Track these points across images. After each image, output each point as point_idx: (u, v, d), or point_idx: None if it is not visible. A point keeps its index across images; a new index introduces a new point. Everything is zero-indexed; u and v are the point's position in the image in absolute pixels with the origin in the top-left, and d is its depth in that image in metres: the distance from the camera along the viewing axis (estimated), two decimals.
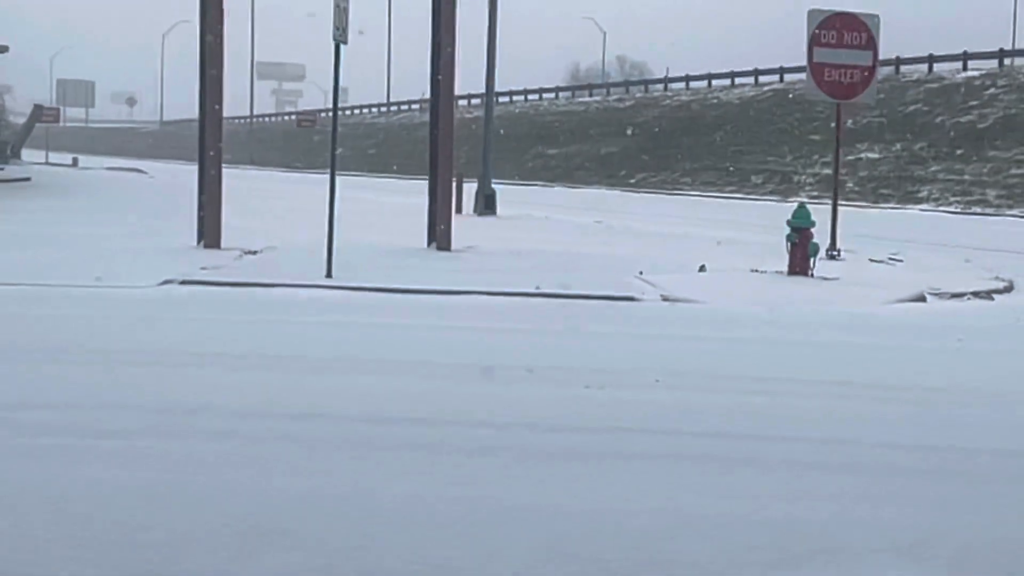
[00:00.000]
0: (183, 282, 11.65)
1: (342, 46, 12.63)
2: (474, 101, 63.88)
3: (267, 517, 4.38)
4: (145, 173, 48.72)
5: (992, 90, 45.99)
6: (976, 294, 12.68)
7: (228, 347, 8.11)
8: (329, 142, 12.96)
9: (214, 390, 6.61)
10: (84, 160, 62.08)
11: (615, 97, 69.15)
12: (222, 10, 15.09)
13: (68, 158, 61.01)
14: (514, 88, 72.56)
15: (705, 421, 6.12)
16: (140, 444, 5.35)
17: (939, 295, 12.42)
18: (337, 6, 12.41)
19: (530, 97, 74.29)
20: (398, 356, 7.95)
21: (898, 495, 4.90)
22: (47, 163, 53.97)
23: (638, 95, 67.61)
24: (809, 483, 5.01)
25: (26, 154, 56.15)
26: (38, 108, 54.63)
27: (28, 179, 34.71)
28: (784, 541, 4.26)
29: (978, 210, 38.13)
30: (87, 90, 70.82)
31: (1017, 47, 50.81)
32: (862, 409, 6.58)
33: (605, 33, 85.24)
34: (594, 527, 4.37)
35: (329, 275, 12.07)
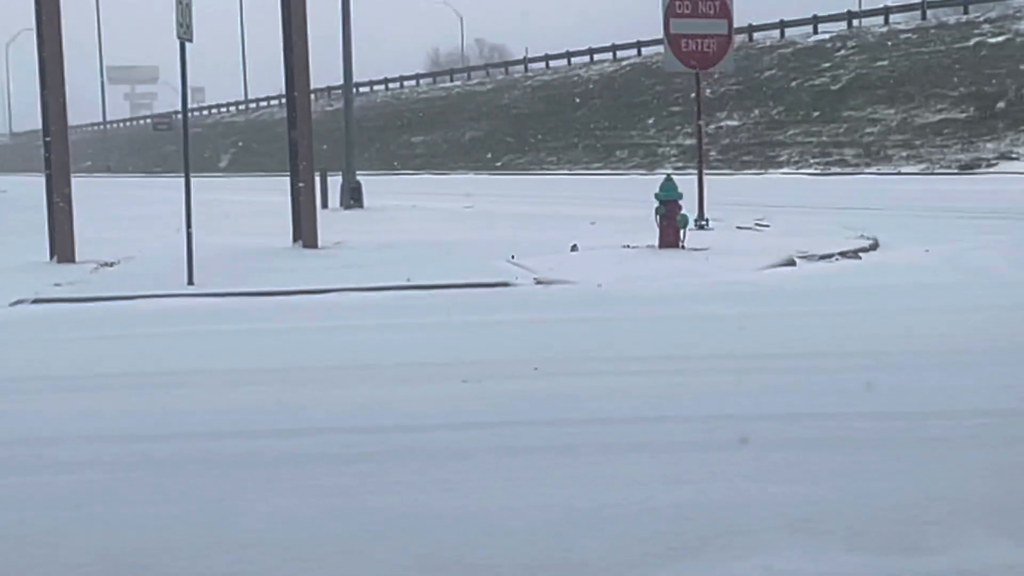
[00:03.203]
0: (36, 301, 11.08)
1: (188, 44, 12.16)
2: (334, 93, 63.13)
3: (128, 552, 4.06)
4: None
5: (843, 52, 47.15)
6: (844, 254, 12.83)
7: (84, 368, 7.67)
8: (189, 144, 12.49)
9: (68, 416, 6.20)
10: None
11: (476, 81, 69.09)
12: (59, 20, 14.41)
13: None
14: (374, 78, 72.02)
15: (587, 407, 5.97)
16: None
17: (808, 258, 12.54)
18: (179, 2, 11.93)
19: (391, 86, 73.81)
20: (263, 363, 7.61)
21: (787, 468, 4.80)
22: None
23: (499, 78, 67.66)
24: (697, 464, 4.88)
25: None
26: None
27: None
28: (677, 528, 4.11)
29: (837, 170, 39.04)
30: None
31: (864, 8, 52.14)
32: (744, 381, 6.50)
33: (462, 18, 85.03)
34: (478, 530, 4.16)
35: (191, 282, 11.62)
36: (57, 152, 14.63)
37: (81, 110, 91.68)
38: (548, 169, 51.17)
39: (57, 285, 12.01)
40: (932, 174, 35.19)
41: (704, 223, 15.96)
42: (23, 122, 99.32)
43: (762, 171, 41.03)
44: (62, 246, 14.41)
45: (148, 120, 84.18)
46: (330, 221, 18.24)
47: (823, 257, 12.62)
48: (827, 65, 46.42)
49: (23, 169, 77.96)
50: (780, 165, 41.75)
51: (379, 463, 5.03)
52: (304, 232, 15.60)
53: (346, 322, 9.32)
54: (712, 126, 43.64)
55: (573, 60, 61.74)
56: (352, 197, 26.08)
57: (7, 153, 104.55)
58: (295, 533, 4.19)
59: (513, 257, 12.90)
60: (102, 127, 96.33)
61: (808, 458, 4.93)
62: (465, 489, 4.64)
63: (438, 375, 6.93)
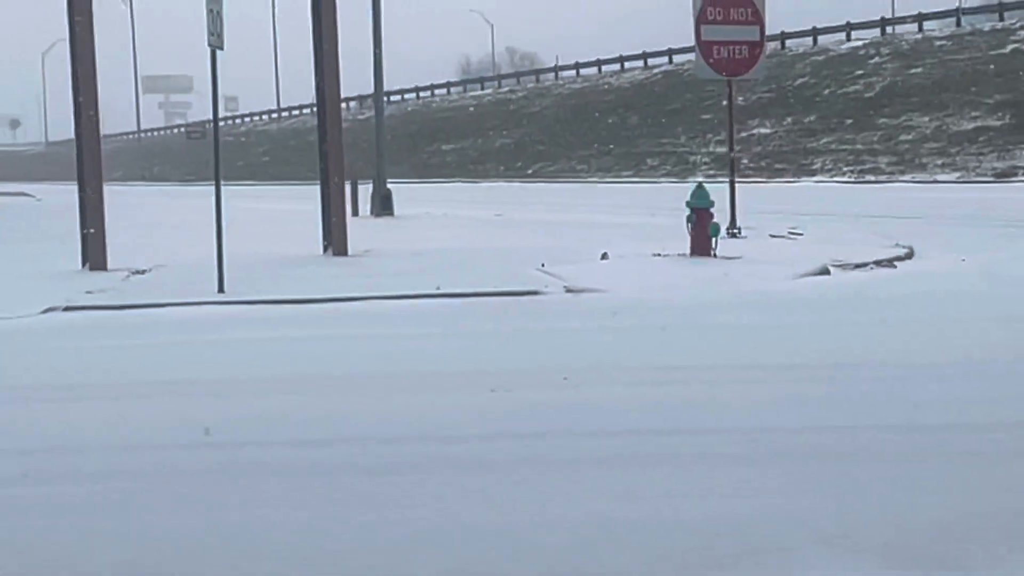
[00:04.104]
0: (67, 308, 11.10)
1: (219, 53, 12.19)
2: (365, 101, 63.30)
3: (150, 563, 4.02)
4: (32, 196, 47.35)
5: (876, 59, 46.83)
6: (878, 263, 12.68)
7: (113, 376, 7.67)
8: (222, 152, 12.51)
9: (95, 425, 6.18)
10: None
11: (507, 89, 69.14)
12: (92, 28, 14.49)
13: None
14: (405, 86, 72.18)
15: (617, 418, 5.89)
16: (15, 492, 4.93)
17: (842, 267, 12.40)
18: (210, 11, 11.96)
19: (422, 94, 73.97)
20: (292, 371, 7.58)
21: (820, 482, 4.70)
22: None
23: (530, 85, 67.66)
24: (728, 477, 4.80)
25: None
26: None
27: None
28: (709, 543, 4.02)
29: (871, 178, 38.73)
30: None
31: (898, 15, 51.78)
32: (777, 392, 6.41)
33: (492, 26, 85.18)
34: (507, 544, 4.09)
35: (221, 290, 11.62)
36: (90, 161, 14.70)
37: (116, 119, 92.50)
38: (579, 177, 51.10)
39: (88, 293, 12.04)
40: (968, 182, 34.84)
41: (736, 231, 15.83)
42: (59, 131, 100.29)
43: (795, 179, 40.79)
44: (94, 254, 14.46)
45: (182, 129, 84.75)
46: (360, 229, 18.23)
47: (857, 266, 12.48)
48: (860, 72, 46.12)
49: (58, 177, 78.65)
50: (813, 173, 41.48)
51: (406, 474, 4.98)
52: (334, 240, 15.59)
53: (375, 331, 9.28)
54: (744, 134, 43.44)
55: (604, 68, 61.65)
56: (382, 205, 26.09)
57: (43, 162, 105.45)
58: (319, 545, 4.14)
59: (543, 265, 12.83)
60: (137, 136, 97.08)
61: (841, 471, 4.83)
62: (493, 501, 4.57)
63: (467, 384, 6.87)
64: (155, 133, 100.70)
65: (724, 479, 4.77)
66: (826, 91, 46.45)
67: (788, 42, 51.65)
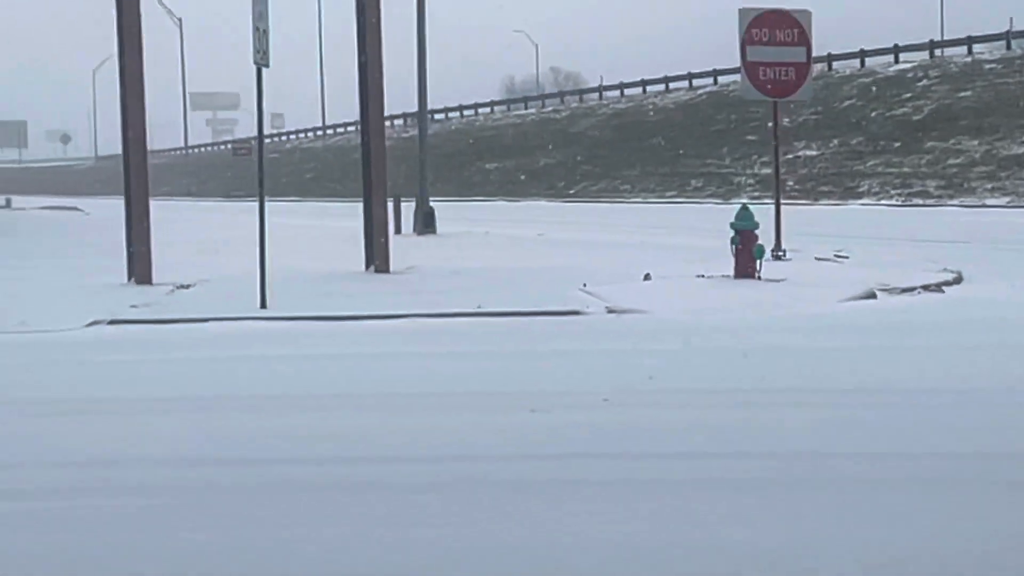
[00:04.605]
0: (112, 322, 11.18)
1: (264, 70, 12.26)
2: (409, 119, 63.62)
3: None
4: (81, 211, 47.88)
5: (925, 81, 46.43)
6: (926, 288, 12.51)
7: (156, 390, 7.69)
8: (267, 169, 12.58)
9: (136, 439, 6.19)
10: (18, 200, 60.86)
11: (551, 108, 69.18)
12: (141, 47, 14.64)
13: (1, 199, 59.80)
14: (449, 104, 72.38)
15: (657, 441, 5.81)
16: (54, 505, 4.94)
17: (889, 291, 12.24)
18: (256, 28, 12.03)
19: (466, 113, 74.16)
20: (332, 390, 7.57)
21: (864, 509, 4.61)
22: None
23: (573, 105, 67.68)
24: (769, 502, 4.71)
25: None
26: None
27: None
28: (747, 571, 3.94)
29: (919, 202, 38.35)
30: (19, 130, 69.80)
31: (947, 38, 51.34)
32: (819, 417, 6.31)
33: (537, 46, 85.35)
34: (543, 566, 4.04)
35: (263, 306, 11.65)
36: (137, 177, 14.83)
37: (164, 135, 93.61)
38: (622, 197, 50.99)
39: (133, 306, 12.12)
40: (1018, 207, 34.39)
41: (781, 253, 15.69)
42: (109, 146, 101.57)
43: (841, 202, 40.46)
44: (140, 268, 14.59)
45: (228, 145, 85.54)
46: (403, 246, 18.26)
47: (905, 290, 12.31)
48: (908, 95, 45.75)
49: (108, 192, 79.63)
50: (860, 196, 41.14)
51: (442, 493, 4.94)
52: (377, 257, 15.61)
53: (416, 348, 9.26)
54: (790, 155, 43.18)
55: (648, 88, 61.54)
56: (425, 223, 26.13)
57: (93, 176, 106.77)
58: (351, 563, 4.11)
59: (585, 285, 12.76)
60: (184, 152, 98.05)
61: (887, 499, 4.73)
62: (530, 522, 4.52)
63: (506, 404, 6.82)
64: (202, 149, 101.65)
65: (764, 504, 4.68)
66: (873, 113, 46.11)
67: (835, 64, 51.33)
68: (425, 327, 10.45)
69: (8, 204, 55.45)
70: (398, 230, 24.22)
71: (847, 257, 16.27)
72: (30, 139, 75.96)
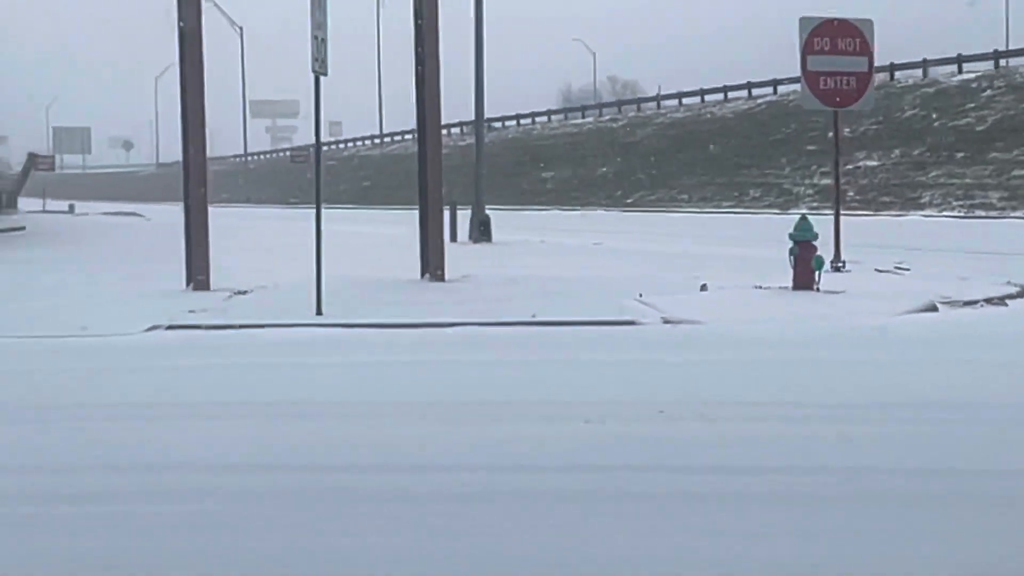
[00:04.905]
0: (170, 327, 11.28)
1: (322, 78, 12.34)
2: (466, 128, 63.79)
3: None
4: (142, 216, 48.55)
5: (989, 92, 45.76)
6: (989, 301, 12.29)
7: (210, 395, 7.74)
8: (324, 176, 12.65)
9: (190, 444, 6.23)
10: (81, 206, 61.86)
11: (608, 117, 69.03)
12: (201, 55, 14.80)
13: (65, 205, 60.83)
14: (506, 113, 72.46)
15: (712, 454, 5.74)
16: (112, 509, 4.97)
17: (950, 304, 12.03)
18: (315, 37, 12.11)
19: (522, 121, 74.20)
20: (387, 397, 7.57)
21: (926, 528, 4.51)
22: (44, 211, 53.80)
23: (631, 114, 67.49)
24: (826, 519, 4.63)
25: (24, 203, 56.02)
26: (32, 157, 54.55)
27: (22, 228, 34.49)
28: None
29: (981, 213, 37.78)
30: (83, 136, 70.86)
31: (1012, 47, 50.57)
32: (878, 432, 6.20)
33: (595, 54, 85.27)
34: None
35: (319, 312, 11.70)
36: (195, 183, 14.98)
37: (224, 142, 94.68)
38: (679, 207, 50.72)
39: (191, 312, 12.23)
40: None
41: (840, 265, 15.49)
42: (170, 153, 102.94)
43: (902, 213, 39.95)
44: (198, 274, 14.72)
45: (287, 153, 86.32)
46: (458, 254, 18.28)
47: (967, 303, 12.10)
48: (972, 105, 45.10)
49: (168, 198, 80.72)
50: (921, 207, 40.60)
51: (493, 503, 4.90)
52: (432, 265, 15.63)
53: (470, 357, 9.24)
54: (850, 166, 42.73)
55: (707, 97, 61.21)
56: (481, 231, 26.16)
57: (154, 183, 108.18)
58: (399, 573, 4.08)
59: (641, 295, 12.68)
60: (244, 159, 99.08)
61: (948, 517, 4.63)
62: (582, 535, 4.47)
63: (559, 414, 6.78)
64: (261, 156, 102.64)
65: (821, 521, 4.60)
66: (936, 124, 45.51)
67: (897, 74, 50.72)
68: (480, 335, 10.43)
69: (71, 210, 56.41)
70: (454, 238, 24.27)
71: (908, 269, 16.04)
72: (93, 145, 77.07)
